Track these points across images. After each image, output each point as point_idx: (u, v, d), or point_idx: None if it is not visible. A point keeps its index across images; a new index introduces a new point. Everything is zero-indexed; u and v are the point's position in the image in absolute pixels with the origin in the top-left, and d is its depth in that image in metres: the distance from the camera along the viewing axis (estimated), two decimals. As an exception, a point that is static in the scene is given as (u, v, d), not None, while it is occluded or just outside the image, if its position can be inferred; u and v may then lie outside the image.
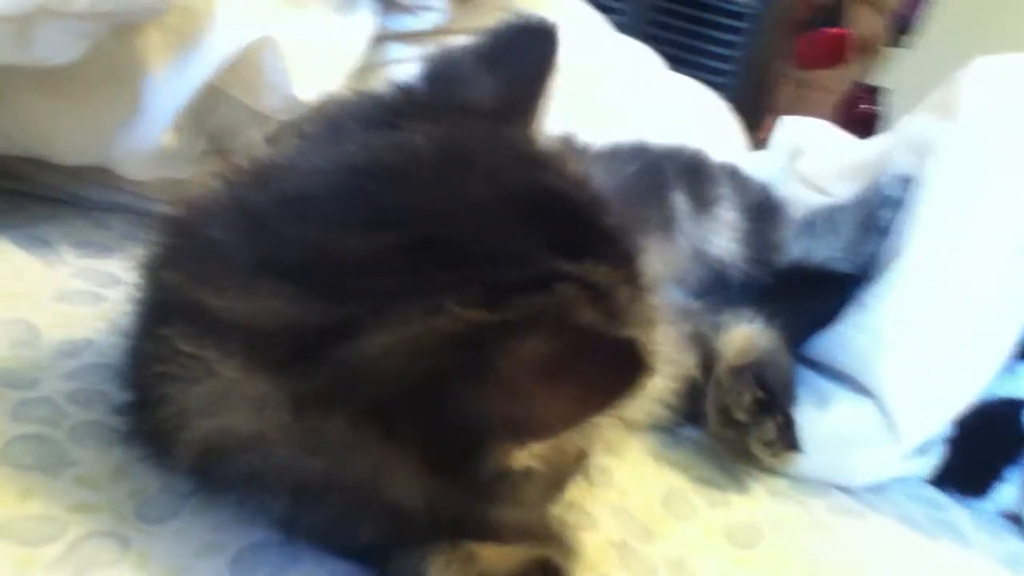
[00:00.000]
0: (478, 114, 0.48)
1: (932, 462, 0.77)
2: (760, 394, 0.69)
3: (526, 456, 0.42)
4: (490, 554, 0.46)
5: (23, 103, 0.61)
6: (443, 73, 0.50)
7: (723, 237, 0.79)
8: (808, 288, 0.81)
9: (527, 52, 0.50)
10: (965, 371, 0.72)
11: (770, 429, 0.69)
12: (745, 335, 0.75)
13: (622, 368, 0.39)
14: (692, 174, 0.80)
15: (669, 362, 0.72)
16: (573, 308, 0.44)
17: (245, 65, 0.63)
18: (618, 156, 0.79)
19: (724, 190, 0.81)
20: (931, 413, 0.73)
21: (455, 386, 0.40)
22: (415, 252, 0.42)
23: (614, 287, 0.47)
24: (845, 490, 0.73)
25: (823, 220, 0.84)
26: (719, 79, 2.28)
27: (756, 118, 2.46)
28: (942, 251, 0.73)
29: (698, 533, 0.63)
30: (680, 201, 0.78)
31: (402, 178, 0.45)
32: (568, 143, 0.76)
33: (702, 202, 0.79)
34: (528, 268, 0.43)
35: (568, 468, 0.49)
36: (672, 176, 0.79)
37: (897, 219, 0.76)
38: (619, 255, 0.48)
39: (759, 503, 0.69)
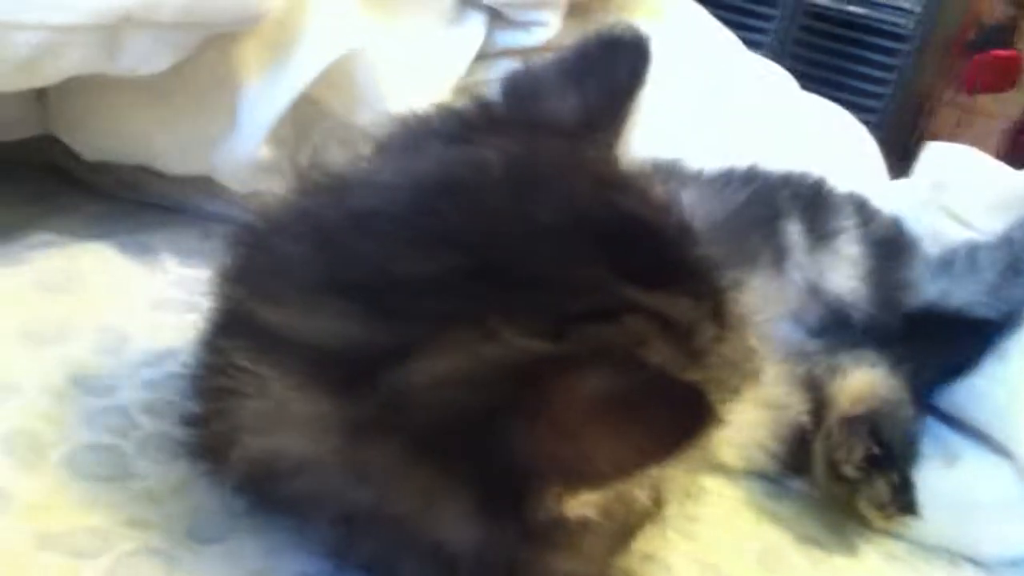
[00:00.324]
0: (558, 131, 0.45)
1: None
2: (874, 449, 0.62)
3: (580, 504, 0.39)
4: None
5: (127, 113, 0.63)
6: (524, 88, 0.48)
7: (843, 274, 0.72)
8: (943, 334, 0.73)
9: (614, 66, 0.46)
10: None
11: (882, 489, 0.62)
12: (864, 381, 0.68)
13: (684, 416, 0.36)
14: (811, 203, 0.74)
15: (773, 405, 0.67)
16: (643, 344, 0.40)
17: (339, 77, 0.62)
18: (729, 182, 0.74)
19: (847, 222, 0.74)
20: None
21: (505, 421, 0.37)
22: (478, 275, 0.40)
23: (696, 323, 0.43)
24: (974, 562, 0.65)
25: (964, 259, 0.76)
26: (873, 103, 2.17)
27: (914, 145, 2.32)
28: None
29: (796, 597, 0.57)
30: (795, 232, 0.72)
31: (470, 197, 0.42)
32: (668, 168, 0.72)
33: (820, 234, 0.73)
34: (596, 297, 0.40)
35: (637, 519, 0.45)
36: (787, 205, 0.73)
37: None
38: (704, 289, 0.44)
39: (870, 569, 0.62)
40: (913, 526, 0.65)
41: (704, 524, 0.60)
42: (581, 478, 0.38)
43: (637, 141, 0.49)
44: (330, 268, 0.41)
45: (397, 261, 0.40)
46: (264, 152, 0.62)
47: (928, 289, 0.74)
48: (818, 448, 0.65)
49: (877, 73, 2.17)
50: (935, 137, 2.44)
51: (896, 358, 0.70)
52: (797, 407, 0.68)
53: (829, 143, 1.08)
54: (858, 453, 0.63)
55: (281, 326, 0.41)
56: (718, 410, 0.36)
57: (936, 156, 1.01)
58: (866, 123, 2.14)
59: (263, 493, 0.44)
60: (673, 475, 0.44)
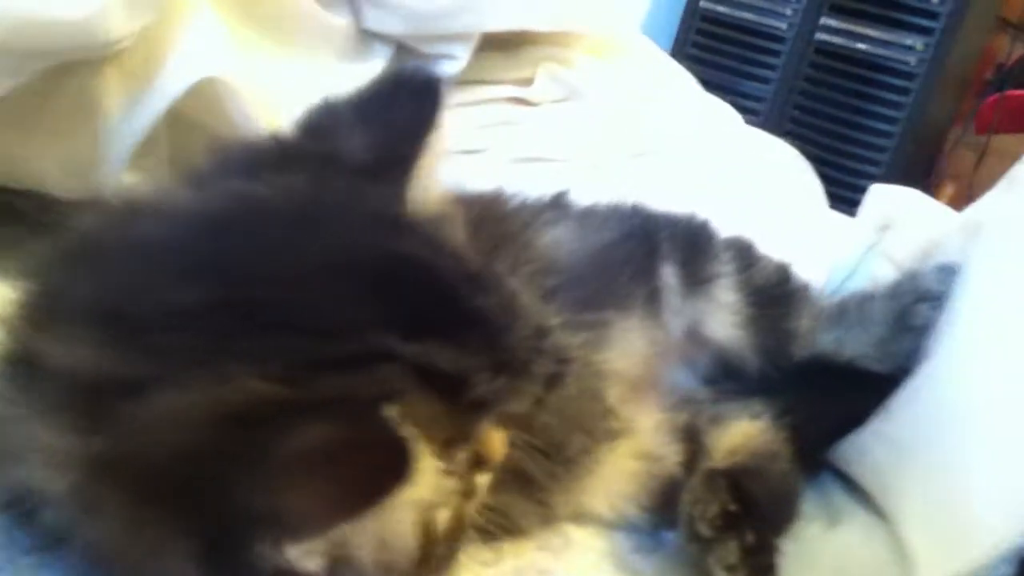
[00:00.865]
0: (347, 169, 0.44)
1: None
2: (731, 506, 0.59)
3: (304, 554, 0.37)
4: None
5: (4, 137, 0.63)
6: (318, 122, 0.47)
7: (721, 321, 0.70)
8: (836, 386, 0.71)
9: (405, 107, 0.45)
10: (1004, 503, 0.58)
11: (733, 550, 0.58)
12: (739, 433, 0.65)
13: (382, 471, 0.34)
14: (689, 246, 0.71)
15: (646, 456, 0.65)
16: (394, 395, 0.38)
17: (212, 103, 0.62)
18: (608, 219, 0.72)
19: (724, 268, 0.71)
20: (956, 553, 0.58)
21: (227, 466, 0.36)
22: (232, 312, 0.38)
23: (470, 373, 0.41)
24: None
25: (856, 310, 0.73)
26: (884, 142, 2.12)
27: (927, 185, 2.26)
28: (979, 353, 0.61)
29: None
30: (670, 275, 0.70)
31: (245, 233, 0.41)
32: (544, 202, 0.71)
33: (696, 279, 0.70)
34: (350, 343, 0.38)
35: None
36: (665, 246, 0.70)
37: (935, 316, 0.65)
38: (482, 338, 0.43)
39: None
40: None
41: (556, 578, 0.58)
42: (294, 527, 0.36)
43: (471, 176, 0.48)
44: (97, 296, 0.41)
45: (159, 291, 0.39)
46: (126, 177, 0.62)
47: (821, 339, 0.71)
48: (682, 501, 0.62)
49: (889, 112, 2.12)
50: (952, 178, 2.38)
51: (784, 409, 0.67)
52: (672, 458, 0.66)
53: (771, 176, 1.06)
54: (712, 509, 0.59)
55: (42, 354, 0.40)
56: (411, 469, 0.35)
57: (880, 198, 0.98)
58: (878, 163, 2.15)
59: (27, 523, 0.43)
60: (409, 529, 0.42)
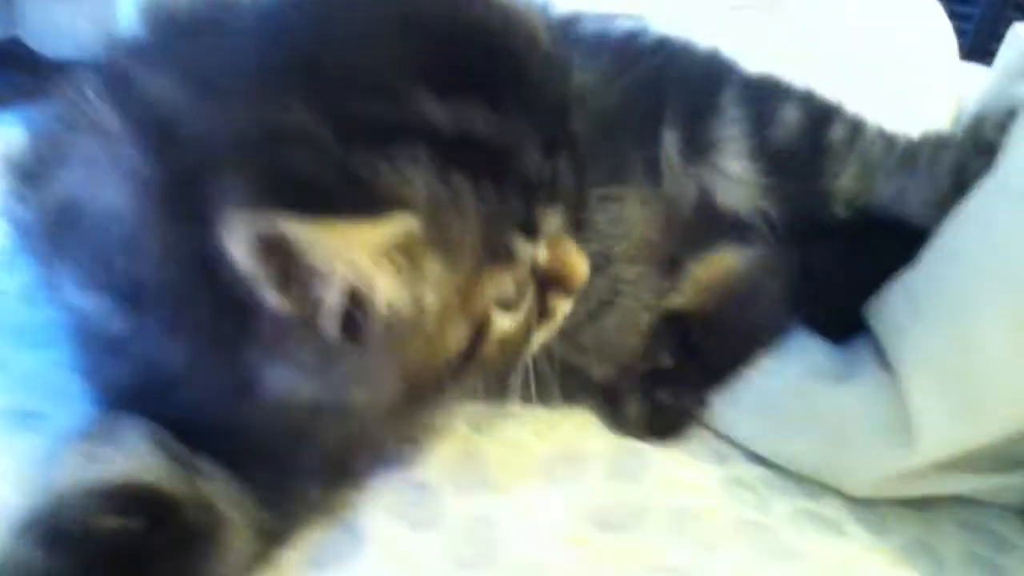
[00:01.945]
0: None
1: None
2: (666, 362, 0.58)
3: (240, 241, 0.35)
4: None
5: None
6: None
7: (730, 193, 0.62)
8: (872, 238, 0.64)
9: None
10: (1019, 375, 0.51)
11: (636, 405, 0.57)
12: (723, 265, 0.62)
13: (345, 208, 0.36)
14: (693, 103, 0.62)
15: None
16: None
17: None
18: (626, 61, 0.63)
19: (730, 130, 0.62)
20: (963, 421, 0.53)
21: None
22: (297, 69, 0.38)
23: (515, 144, 0.40)
24: (839, 495, 0.56)
25: (928, 157, 0.64)
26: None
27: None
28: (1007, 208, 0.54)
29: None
30: (669, 142, 0.62)
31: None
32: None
33: (697, 146, 0.62)
34: (387, 107, 0.37)
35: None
36: (670, 102, 0.62)
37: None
38: (536, 107, 0.41)
39: (710, 493, 0.55)
40: (784, 450, 0.58)
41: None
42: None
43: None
44: (192, 56, 0.41)
45: (243, 57, 0.39)
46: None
47: (880, 187, 0.63)
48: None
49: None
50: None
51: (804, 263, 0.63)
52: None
53: (890, 25, 0.95)
54: (646, 365, 0.59)
55: (139, 81, 0.40)
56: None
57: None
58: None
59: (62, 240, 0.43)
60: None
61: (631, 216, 0.60)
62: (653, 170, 0.62)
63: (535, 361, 0.49)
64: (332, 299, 0.36)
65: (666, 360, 0.60)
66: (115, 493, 0.40)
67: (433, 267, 0.38)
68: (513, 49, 0.41)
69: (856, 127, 0.65)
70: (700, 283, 0.63)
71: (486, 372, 0.46)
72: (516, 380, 0.49)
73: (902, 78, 0.87)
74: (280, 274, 0.35)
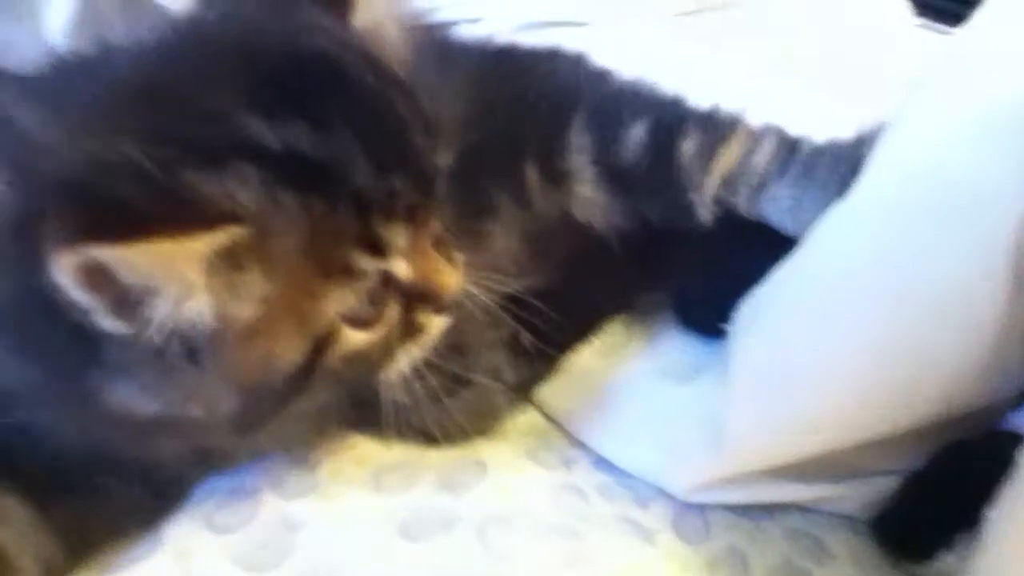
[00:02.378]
0: None
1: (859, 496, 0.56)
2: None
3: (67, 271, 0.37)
4: None
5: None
6: None
7: (591, 215, 0.63)
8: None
9: None
10: (834, 388, 0.51)
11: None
12: None
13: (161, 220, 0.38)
14: (545, 135, 0.63)
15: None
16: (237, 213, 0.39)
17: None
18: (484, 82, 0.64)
19: (579, 159, 0.63)
20: (769, 428, 0.53)
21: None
22: (140, 96, 0.41)
23: (342, 161, 0.42)
24: (666, 496, 0.57)
25: (827, 164, 0.59)
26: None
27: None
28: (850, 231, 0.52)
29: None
30: (532, 176, 0.63)
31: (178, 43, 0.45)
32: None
33: (553, 177, 0.63)
34: (217, 129, 0.40)
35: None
36: (527, 137, 0.63)
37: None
38: (367, 126, 0.43)
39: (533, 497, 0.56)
40: (624, 453, 0.59)
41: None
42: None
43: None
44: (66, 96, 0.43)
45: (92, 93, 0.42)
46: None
47: (766, 200, 0.59)
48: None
49: None
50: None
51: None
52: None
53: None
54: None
55: (20, 117, 0.42)
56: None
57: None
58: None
59: None
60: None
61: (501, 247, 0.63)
62: (522, 199, 0.64)
63: (406, 380, 0.51)
64: (162, 315, 0.38)
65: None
66: None
67: (258, 278, 0.40)
68: (344, 76, 0.43)
69: (719, 138, 0.62)
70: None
71: (336, 385, 0.48)
72: (384, 400, 0.51)
73: (861, 52, 0.84)
74: (111, 299, 0.37)
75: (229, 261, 0.39)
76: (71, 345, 0.40)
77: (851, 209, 0.52)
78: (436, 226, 0.49)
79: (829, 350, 0.51)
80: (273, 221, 0.39)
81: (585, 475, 0.59)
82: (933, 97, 0.52)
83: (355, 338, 0.45)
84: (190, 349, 0.40)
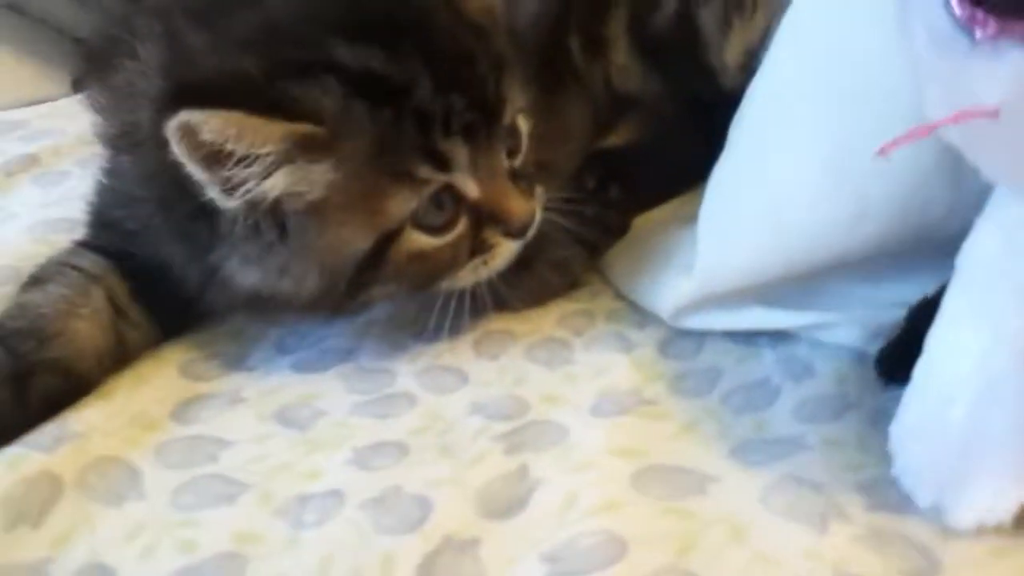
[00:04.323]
0: None
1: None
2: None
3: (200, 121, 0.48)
4: None
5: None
6: None
7: (622, 79, 0.70)
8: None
9: None
10: (786, 200, 0.52)
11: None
12: None
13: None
14: (590, 8, 0.70)
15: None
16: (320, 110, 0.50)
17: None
18: None
19: (617, 28, 0.70)
20: (732, 245, 0.55)
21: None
22: (259, 26, 0.53)
23: (407, 78, 0.51)
24: (656, 321, 0.61)
25: None
26: None
27: None
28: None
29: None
30: (575, 49, 0.71)
31: None
32: None
33: (593, 46, 0.71)
34: (307, 51, 0.51)
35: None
36: (572, 13, 0.71)
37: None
38: (432, 53, 0.52)
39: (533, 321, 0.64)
40: (623, 279, 0.64)
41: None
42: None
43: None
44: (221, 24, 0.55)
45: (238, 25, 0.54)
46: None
47: None
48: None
49: None
50: None
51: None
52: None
53: None
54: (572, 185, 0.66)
55: (185, 33, 0.54)
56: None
57: None
58: None
59: None
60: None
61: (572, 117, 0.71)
62: (573, 70, 0.72)
63: (468, 294, 0.59)
64: (248, 184, 0.49)
65: (591, 182, 0.69)
66: None
67: (328, 168, 0.51)
68: (423, 15, 0.53)
69: (739, 6, 0.66)
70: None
71: (406, 282, 0.57)
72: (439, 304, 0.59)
73: None
74: (205, 157, 0.49)
75: (305, 151, 0.49)
76: (198, 219, 0.52)
77: (799, 20, 0.51)
78: (506, 158, 0.56)
79: (779, 162, 0.53)
80: (345, 124, 0.50)
81: (602, 303, 0.65)
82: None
83: (421, 240, 0.55)
84: (279, 224, 0.51)
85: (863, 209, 0.50)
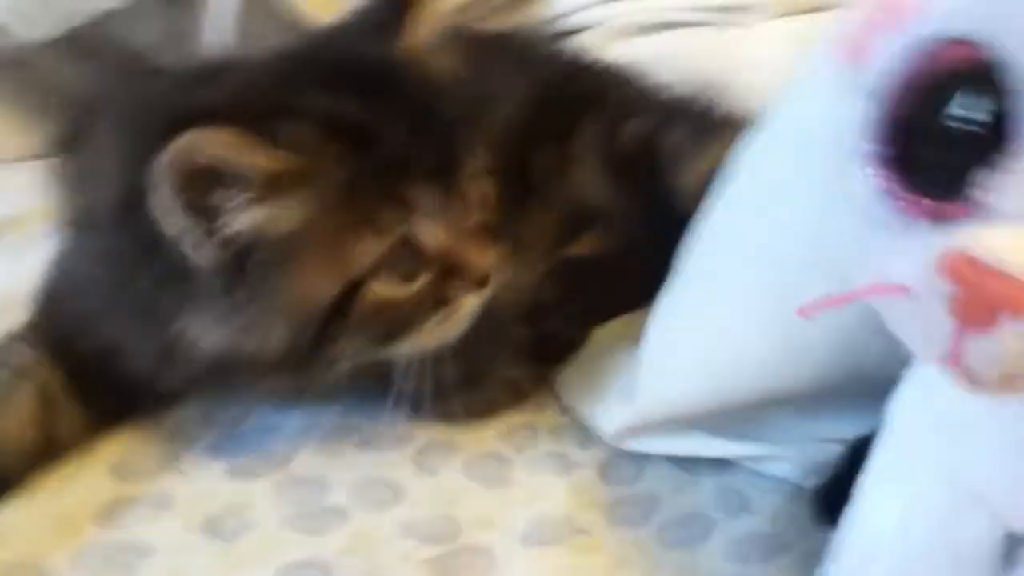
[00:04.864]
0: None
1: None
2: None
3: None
4: None
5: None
6: None
7: (588, 192, 0.71)
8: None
9: None
10: (726, 339, 0.52)
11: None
12: None
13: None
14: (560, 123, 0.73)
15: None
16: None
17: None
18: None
19: (587, 142, 0.72)
20: (672, 375, 0.55)
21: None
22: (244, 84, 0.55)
23: (377, 124, 0.52)
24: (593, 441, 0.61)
25: None
26: None
27: None
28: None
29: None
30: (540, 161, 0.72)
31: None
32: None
33: (564, 157, 0.72)
34: (281, 97, 0.53)
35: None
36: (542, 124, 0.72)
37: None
38: (403, 99, 0.53)
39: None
40: (568, 394, 0.63)
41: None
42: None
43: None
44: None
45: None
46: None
47: None
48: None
49: None
50: None
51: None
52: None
53: None
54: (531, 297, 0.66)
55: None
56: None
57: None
58: None
59: None
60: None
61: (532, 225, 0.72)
62: (535, 191, 0.73)
63: (427, 361, 0.57)
64: (228, 220, 0.49)
65: (550, 293, 0.68)
66: None
67: (300, 203, 0.50)
68: (392, 71, 0.55)
69: (705, 132, 0.68)
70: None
71: (371, 335, 0.55)
72: (400, 370, 0.58)
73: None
74: (195, 188, 0.48)
75: (281, 185, 0.49)
76: (164, 287, 0.51)
77: (745, 161, 0.53)
78: (475, 209, 0.57)
79: (716, 300, 0.53)
80: (320, 163, 0.50)
81: (547, 417, 0.64)
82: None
83: (385, 290, 0.54)
84: (249, 276, 0.50)
85: (798, 353, 0.50)
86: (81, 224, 0.58)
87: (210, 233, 0.49)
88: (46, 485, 0.56)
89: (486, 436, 0.62)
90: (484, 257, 0.56)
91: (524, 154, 0.73)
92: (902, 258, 0.32)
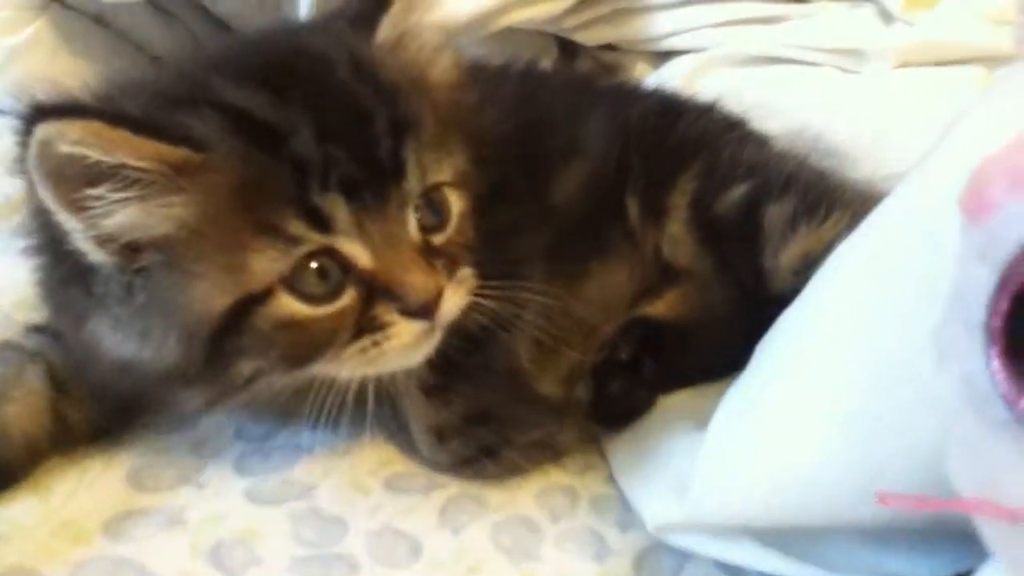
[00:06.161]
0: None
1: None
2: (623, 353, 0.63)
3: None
4: None
5: None
6: None
7: (675, 253, 0.68)
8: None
9: None
10: (799, 454, 0.46)
11: (585, 390, 0.62)
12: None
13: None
14: (652, 168, 0.69)
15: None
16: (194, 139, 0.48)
17: None
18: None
19: (680, 199, 0.67)
20: (732, 483, 0.49)
21: None
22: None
23: (285, 125, 0.48)
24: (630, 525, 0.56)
25: None
26: None
27: None
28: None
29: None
30: (633, 209, 0.69)
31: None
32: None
33: (652, 211, 0.68)
34: (196, 89, 0.50)
35: None
36: (632, 170, 0.69)
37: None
38: (318, 103, 0.49)
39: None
40: (620, 468, 0.59)
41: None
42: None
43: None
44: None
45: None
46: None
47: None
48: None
49: None
50: None
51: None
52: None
53: None
54: (603, 354, 0.63)
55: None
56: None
57: None
58: None
59: None
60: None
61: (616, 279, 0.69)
62: (628, 232, 0.70)
63: (345, 389, 0.53)
64: (107, 215, 0.46)
65: (625, 353, 0.63)
66: None
67: (190, 201, 0.47)
68: (322, 69, 0.51)
69: (811, 213, 0.62)
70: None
71: (276, 355, 0.50)
72: (315, 395, 0.53)
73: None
74: (62, 181, 0.45)
75: (169, 178, 0.46)
76: (72, 283, 0.49)
77: (838, 267, 0.46)
78: (422, 231, 0.52)
79: (794, 408, 0.47)
80: (216, 158, 0.46)
81: (590, 483, 0.59)
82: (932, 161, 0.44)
83: (294, 307, 0.49)
84: (142, 279, 0.47)
85: (875, 482, 0.44)
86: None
87: (88, 230, 0.46)
88: (61, 487, 0.55)
89: (520, 495, 0.58)
90: (425, 280, 0.50)
91: (614, 198, 0.69)
92: (1018, 475, 0.26)
